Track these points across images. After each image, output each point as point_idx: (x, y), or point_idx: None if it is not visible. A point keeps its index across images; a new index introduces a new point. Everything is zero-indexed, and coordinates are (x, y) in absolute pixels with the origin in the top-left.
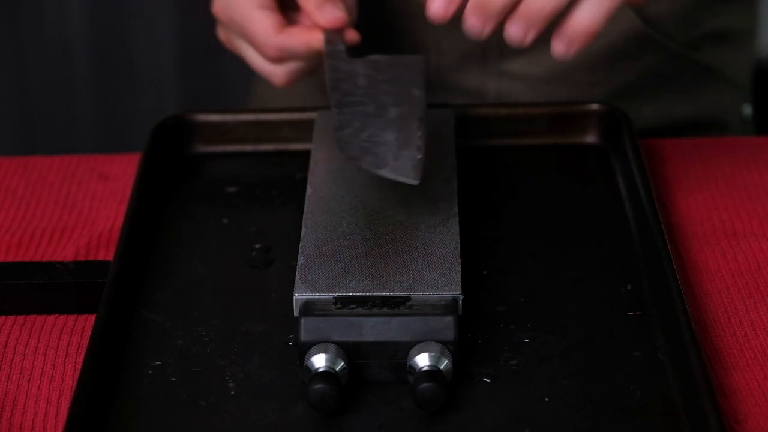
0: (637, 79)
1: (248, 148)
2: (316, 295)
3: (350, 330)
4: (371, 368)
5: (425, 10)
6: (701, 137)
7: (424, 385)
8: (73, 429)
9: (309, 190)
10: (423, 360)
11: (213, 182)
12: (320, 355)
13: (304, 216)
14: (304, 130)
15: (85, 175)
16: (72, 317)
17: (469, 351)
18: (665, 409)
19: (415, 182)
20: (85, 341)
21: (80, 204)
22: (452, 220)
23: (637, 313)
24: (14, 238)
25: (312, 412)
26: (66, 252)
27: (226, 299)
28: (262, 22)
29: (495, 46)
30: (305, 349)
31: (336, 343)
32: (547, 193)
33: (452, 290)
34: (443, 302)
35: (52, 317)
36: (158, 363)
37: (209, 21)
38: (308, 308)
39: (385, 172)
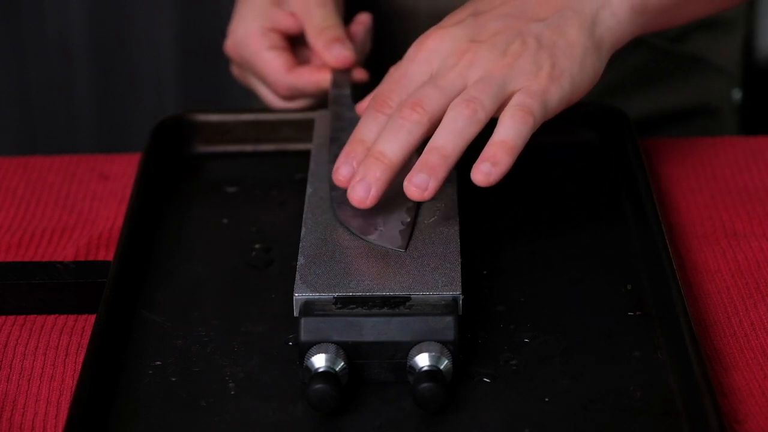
0: (625, 76)
1: (248, 148)
2: (316, 295)
3: (350, 330)
4: (371, 368)
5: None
6: (701, 137)
7: (424, 385)
8: (73, 429)
9: (309, 190)
10: (423, 360)
11: (213, 182)
12: (320, 355)
13: (304, 216)
14: (304, 130)
15: (85, 175)
16: (72, 317)
17: (469, 351)
18: (665, 409)
19: (401, 250)
20: (85, 341)
21: (80, 204)
22: (452, 220)
23: (637, 313)
24: (14, 238)
25: (312, 412)
26: (66, 252)
27: (226, 299)
28: (273, 63)
29: None
30: (305, 349)
31: (336, 343)
32: (546, 192)
33: (452, 290)
34: (443, 302)
35: (52, 317)
36: (158, 363)
37: (209, 21)
38: (308, 308)
39: (373, 238)
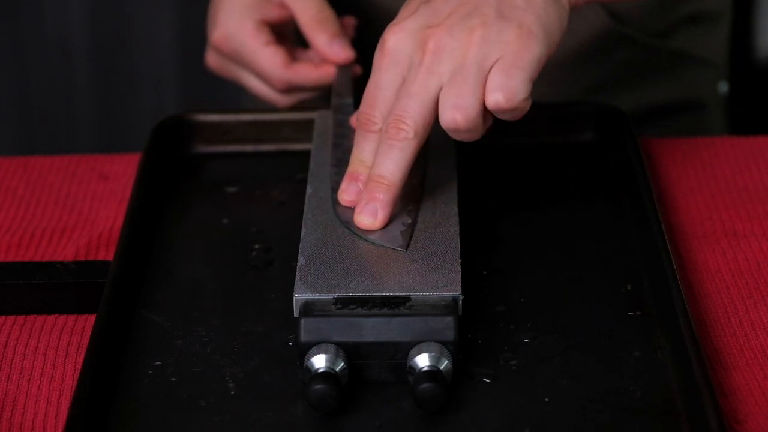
0: (611, 73)
1: (248, 148)
2: (316, 296)
3: (350, 330)
4: (371, 368)
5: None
6: (701, 137)
7: (424, 385)
8: (73, 429)
9: (309, 190)
10: (423, 360)
11: (213, 182)
12: (320, 355)
13: (304, 216)
14: (304, 130)
15: (85, 175)
16: (72, 317)
17: (469, 351)
18: (665, 409)
19: (402, 250)
20: (85, 341)
21: (80, 204)
22: (452, 220)
23: (637, 313)
24: (14, 238)
25: (312, 412)
26: (66, 252)
27: (226, 299)
28: (272, 59)
29: None
30: (305, 350)
31: (336, 343)
32: (546, 192)
33: (452, 290)
34: (443, 302)
35: (52, 317)
36: (158, 363)
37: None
38: (308, 308)
39: (374, 238)
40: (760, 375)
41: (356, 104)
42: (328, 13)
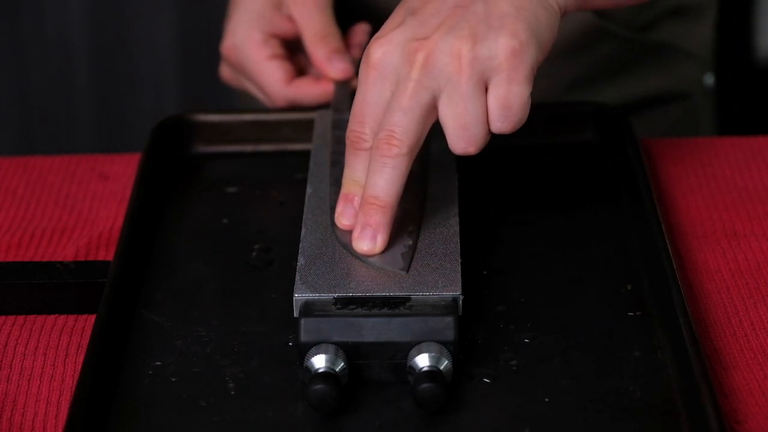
0: (596, 66)
1: (248, 148)
2: (316, 296)
3: (350, 330)
4: (371, 368)
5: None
6: (701, 137)
7: (424, 385)
8: (73, 429)
9: (309, 190)
10: (423, 360)
11: (213, 182)
12: (320, 355)
13: (304, 216)
14: (304, 130)
15: (85, 175)
16: (72, 317)
17: (469, 351)
18: (665, 409)
19: (403, 271)
20: (85, 341)
21: (80, 204)
22: (452, 220)
23: (637, 313)
24: (14, 238)
25: (312, 412)
26: (66, 252)
27: (226, 299)
28: (273, 75)
29: None
30: (305, 350)
31: (336, 343)
32: (546, 193)
33: (452, 290)
34: (443, 302)
35: (52, 317)
36: (158, 363)
37: (209, 21)
38: (308, 309)
39: (374, 261)
40: (760, 375)
41: None
42: (332, 29)
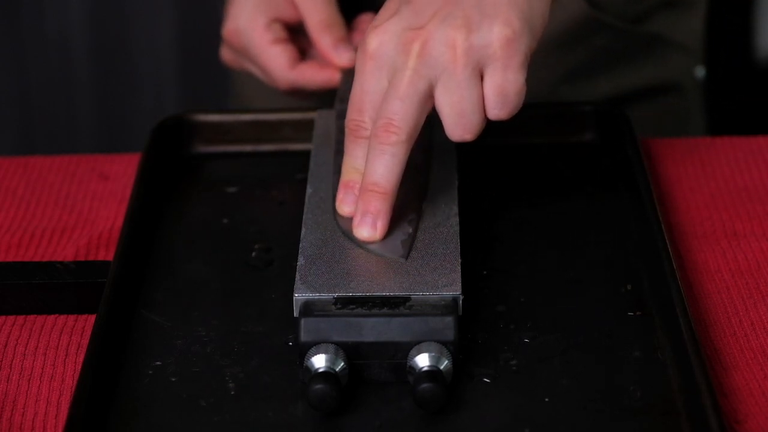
0: (589, 58)
1: (248, 148)
2: (316, 296)
3: (350, 330)
4: (371, 368)
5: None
6: (701, 137)
7: (424, 385)
8: (73, 429)
9: (309, 190)
10: (423, 360)
11: (213, 182)
12: (320, 355)
13: (304, 216)
14: (304, 130)
15: (85, 175)
16: (72, 317)
17: (469, 351)
18: (665, 409)
19: (403, 259)
20: (85, 341)
21: (80, 204)
22: (452, 220)
23: (637, 313)
24: (14, 238)
25: (312, 412)
26: (66, 252)
27: (226, 299)
28: (277, 59)
29: None
30: (305, 350)
31: (336, 343)
32: (546, 192)
33: (452, 290)
34: (443, 302)
35: (52, 317)
36: (158, 363)
37: (209, 21)
38: (308, 308)
39: (375, 248)
40: (760, 375)
41: None
42: (337, 19)
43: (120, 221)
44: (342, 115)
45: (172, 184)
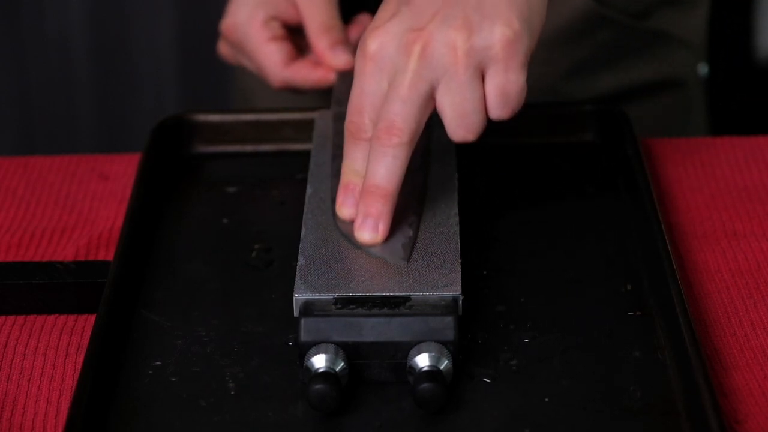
0: (592, 53)
1: (248, 148)
2: (316, 296)
3: (350, 330)
4: (371, 368)
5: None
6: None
7: (424, 385)
8: (73, 429)
9: (309, 190)
10: (423, 360)
11: (213, 182)
12: (320, 355)
13: (304, 216)
14: (304, 130)
15: (85, 175)
16: (72, 317)
17: (469, 351)
18: (665, 409)
19: (403, 263)
20: (85, 341)
21: (80, 204)
22: (452, 220)
23: (637, 313)
24: (14, 238)
25: (312, 412)
26: (66, 252)
27: (226, 299)
28: (272, 57)
29: None
30: (305, 350)
31: (336, 343)
32: (546, 192)
33: (452, 290)
34: (443, 302)
35: (52, 317)
36: (158, 363)
37: (209, 21)
38: (308, 308)
39: (375, 251)
40: (760, 375)
41: None
42: (336, 22)
43: (120, 221)
44: (339, 118)
45: (172, 184)
